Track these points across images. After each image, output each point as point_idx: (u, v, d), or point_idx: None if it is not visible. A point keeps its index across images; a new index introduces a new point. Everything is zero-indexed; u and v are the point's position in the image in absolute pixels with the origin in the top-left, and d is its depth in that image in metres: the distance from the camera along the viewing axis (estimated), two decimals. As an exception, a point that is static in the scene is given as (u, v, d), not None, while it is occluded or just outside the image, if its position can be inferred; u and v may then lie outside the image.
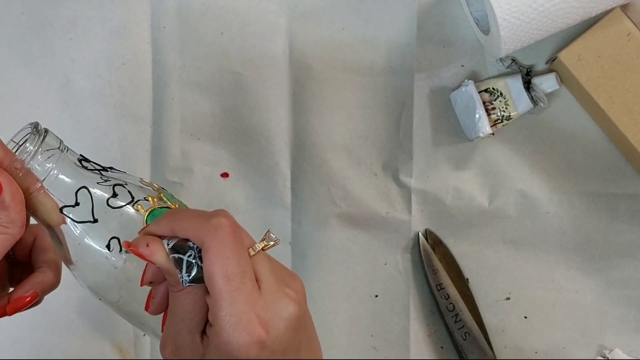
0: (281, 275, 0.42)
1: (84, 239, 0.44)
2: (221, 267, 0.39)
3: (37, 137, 0.44)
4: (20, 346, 0.69)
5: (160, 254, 0.40)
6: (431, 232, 0.66)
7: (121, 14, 0.66)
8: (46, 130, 0.45)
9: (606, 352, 0.65)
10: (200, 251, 0.40)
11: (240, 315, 0.38)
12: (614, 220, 0.65)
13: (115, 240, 0.44)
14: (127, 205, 0.45)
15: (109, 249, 0.44)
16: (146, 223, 0.45)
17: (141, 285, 0.43)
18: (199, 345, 0.40)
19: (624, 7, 0.60)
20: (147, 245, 0.40)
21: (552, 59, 0.62)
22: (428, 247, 0.66)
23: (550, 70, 0.63)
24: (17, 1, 0.66)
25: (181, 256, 0.40)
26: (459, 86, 0.64)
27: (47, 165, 0.44)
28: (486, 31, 0.61)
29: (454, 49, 0.65)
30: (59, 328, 0.68)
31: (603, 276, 0.65)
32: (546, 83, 0.63)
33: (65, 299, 0.67)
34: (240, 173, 0.67)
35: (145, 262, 0.42)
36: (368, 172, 0.66)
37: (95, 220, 0.44)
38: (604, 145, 0.64)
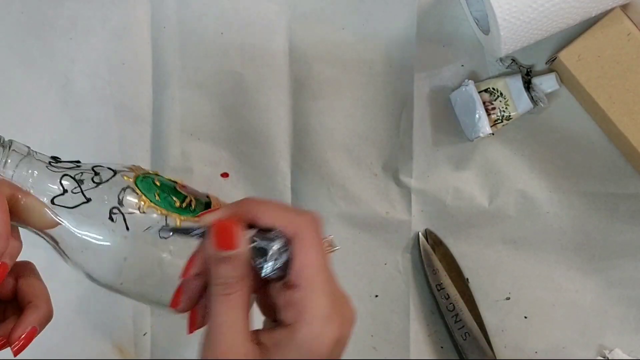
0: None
1: (83, 229, 0.44)
2: (316, 259, 0.39)
3: (3, 148, 0.44)
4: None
5: (245, 242, 0.39)
6: (431, 232, 0.66)
7: (121, 14, 0.65)
8: (10, 140, 0.45)
9: (606, 352, 0.65)
10: (286, 243, 0.39)
11: (331, 308, 0.38)
12: (614, 220, 0.65)
13: (117, 210, 0.44)
14: (112, 178, 0.46)
15: (112, 221, 0.44)
16: (137, 186, 0.45)
17: (184, 276, 0.41)
18: (257, 353, 0.39)
19: (624, 7, 0.60)
20: (232, 232, 0.39)
21: (552, 59, 0.62)
22: (428, 247, 0.66)
23: (550, 70, 0.63)
24: (17, 1, 0.66)
25: (267, 245, 0.39)
26: (459, 86, 0.64)
27: (24, 172, 0.44)
28: (486, 31, 0.61)
29: (454, 48, 0.65)
30: (59, 328, 0.68)
31: (603, 276, 0.65)
32: (546, 83, 0.63)
33: (64, 298, 0.67)
34: (240, 173, 0.67)
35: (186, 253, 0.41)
36: (368, 172, 0.66)
37: (89, 200, 0.44)
38: (604, 145, 0.64)
